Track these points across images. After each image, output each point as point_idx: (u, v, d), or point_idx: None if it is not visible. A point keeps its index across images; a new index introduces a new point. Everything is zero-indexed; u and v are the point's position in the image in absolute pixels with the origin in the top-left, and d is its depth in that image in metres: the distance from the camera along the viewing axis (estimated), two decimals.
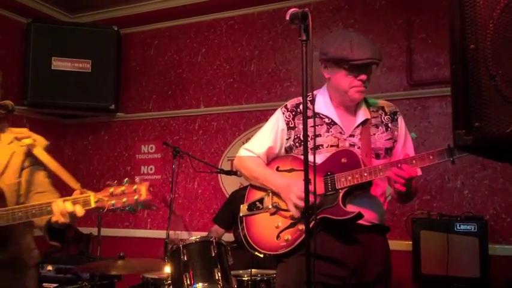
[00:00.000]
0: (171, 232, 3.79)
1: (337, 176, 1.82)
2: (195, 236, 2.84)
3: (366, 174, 1.77)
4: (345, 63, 1.82)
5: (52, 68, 4.27)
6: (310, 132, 1.88)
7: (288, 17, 1.43)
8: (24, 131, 1.87)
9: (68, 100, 4.33)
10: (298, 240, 1.82)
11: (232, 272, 2.77)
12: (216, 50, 4.36)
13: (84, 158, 4.76)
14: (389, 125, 1.96)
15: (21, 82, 4.21)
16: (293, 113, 1.98)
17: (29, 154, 1.77)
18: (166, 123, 4.49)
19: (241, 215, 1.98)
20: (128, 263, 3.13)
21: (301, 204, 1.76)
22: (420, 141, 3.49)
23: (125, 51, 4.69)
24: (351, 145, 1.90)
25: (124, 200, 1.44)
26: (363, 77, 1.84)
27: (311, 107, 1.92)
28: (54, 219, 1.56)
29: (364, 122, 1.93)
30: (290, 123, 1.96)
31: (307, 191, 1.40)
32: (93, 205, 1.49)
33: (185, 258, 2.58)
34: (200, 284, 2.51)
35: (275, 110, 2.09)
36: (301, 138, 1.90)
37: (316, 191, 1.56)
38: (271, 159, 2.03)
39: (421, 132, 3.50)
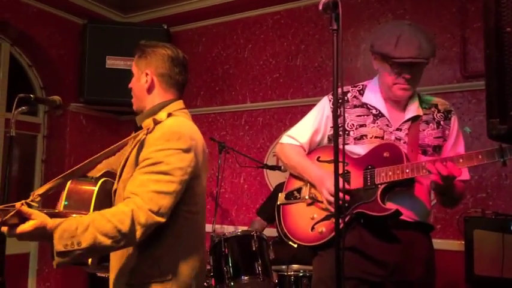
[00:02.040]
0: (217, 226, 3.86)
1: (377, 170, 1.75)
2: (237, 230, 2.86)
3: (407, 170, 1.68)
4: (389, 60, 1.75)
5: (106, 66, 4.46)
6: (355, 122, 1.86)
7: (320, 7, 1.38)
8: (160, 117, 1.65)
9: (121, 97, 4.49)
10: (332, 234, 1.77)
11: (274, 267, 2.77)
12: (262, 45, 4.37)
13: None
14: (442, 122, 1.87)
15: (78, 80, 4.44)
16: (340, 100, 1.91)
17: None
18: (214, 118, 4.56)
19: (278, 203, 1.97)
20: None
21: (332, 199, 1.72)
22: (474, 135, 3.31)
23: None
24: (396, 139, 1.82)
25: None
26: (406, 76, 1.76)
27: (360, 97, 1.90)
28: None
29: (415, 119, 1.85)
30: (338, 109, 1.91)
31: (337, 187, 1.35)
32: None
33: (226, 251, 2.62)
34: (241, 277, 2.54)
35: None
36: (346, 127, 1.86)
37: (344, 185, 1.50)
38: (313, 147, 1.99)
39: (475, 126, 3.31)
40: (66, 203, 1.59)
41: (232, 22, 4.54)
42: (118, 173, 1.66)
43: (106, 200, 1.61)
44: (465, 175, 1.76)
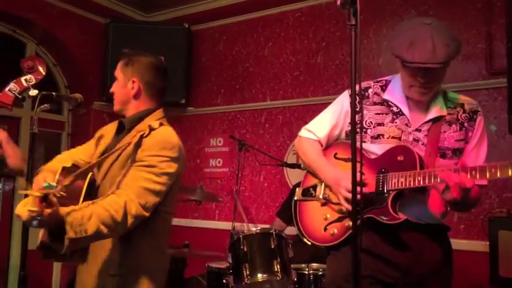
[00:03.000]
0: (237, 224, 3.86)
1: (389, 175, 1.69)
2: (256, 228, 2.86)
3: (419, 178, 1.61)
4: (401, 61, 1.68)
5: None
6: (373, 120, 1.81)
7: (338, 2, 1.36)
8: (154, 124, 1.78)
9: None
10: (344, 236, 1.77)
11: (293, 266, 2.76)
12: (283, 43, 4.35)
13: None
14: (465, 124, 1.78)
15: (101, 79, 4.52)
16: (360, 96, 1.84)
17: None
18: (234, 117, 4.57)
19: (295, 198, 1.95)
20: (193, 251, 3.26)
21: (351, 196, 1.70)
22: (500, 134, 3.23)
23: (195, 47, 4.84)
24: (414, 140, 1.76)
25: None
26: (421, 80, 1.68)
27: (382, 93, 1.84)
28: None
29: (436, 119, 1.77)
30: (356, 106, 1.85)
31: (354, 189, 1.33)
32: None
33: (245, 249, 2.61)
34: (259, 275, 2.53)
35: None
36: (364, 125, 1.81)
37: (362, 189, 1.44)
38: (331, 142, 1.95)
39: (501, 125, 3.22)
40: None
41: (253, 20, 4.54)
42: (102, 169, 1.75)
43: (91, 194, 1.69)
44: (482, 180, 1.62)
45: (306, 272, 2.79)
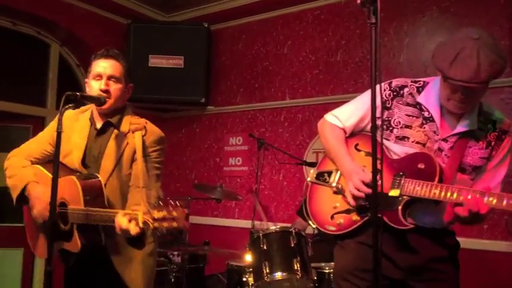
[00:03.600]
0: (256, 222, 3.88)
1: (406, 180, 1.68)
2: (275, 226, 2.87)
3: (435, 191, 1.60)
4: (443, 75, 1.63)
5: (149, 65, 4.58)
6: (402, 120, 1.78)
7: (358, 0, 1.36)
8: (141, 121, 1.99)
9: (162, 95, 4.61)
10: (349, 228, 1.79)
11: (313, 264, 2.76)
12: (302, 41, 4.34)
13: (178, 150, 5.04)
14: (493, 143, 1.74)
15: None
16: (394, 93, 1.82)
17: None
18: (253, 115, 4.59)
19: (308, 179, 1.95)
20: (213, 250, 3.29)
21: (357, 194, 1.71)
22: None
23: (215, 46, 4.87)
24: (439, 149, 1.73)
25: (165, 225, 1.50)
26: (460, 96, 1.62)
27: (417, 95, 1.79)
28: (116, 231, 1.66)
29: (465, 134, 1.73)
30: (387, 102, 1.81)
31: (375, 184, 1.33)
32: (140, 225, 1.56)
33: (265, 247, 2.62)
34: (279, 273, 2.54)
35: None
36: (391, 122, 1.79)
37: (377, 187, 1.42)
38: (356, 132, 1.91)
39: None
40: (87, 197, 1.77)
41: (272, 19, 4.55)
42: (105, 169, 1.88)
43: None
44: (498, 206, 1.54)
45: (326, 271, 2.79)
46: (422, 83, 1.83)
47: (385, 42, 3.82)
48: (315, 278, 2.67)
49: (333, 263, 2.90)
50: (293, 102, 4.32)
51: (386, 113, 1.81)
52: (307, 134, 4.21)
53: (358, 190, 1.71)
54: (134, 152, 1.90)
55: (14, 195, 1.94)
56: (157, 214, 1.50)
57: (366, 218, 1.73)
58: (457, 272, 1.82)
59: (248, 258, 2.81)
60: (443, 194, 1.59)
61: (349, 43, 4.06)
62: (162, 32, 4.65)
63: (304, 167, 4.08)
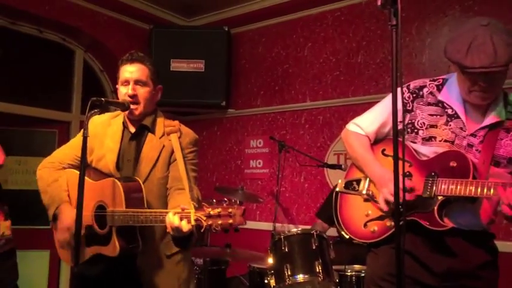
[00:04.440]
0: (277, 224, 3.88)
1: (439, 180, 1.64)
2: (296, 228, 2.87)
3: (471, 188, 1.55)
4: (460, 67, 1.60)
5: (171, 69, 4.65)
6: (426, 121, 1.75)
7: (379, 2, 1.35)
8: (175, 123, 2.01)
9: (184, 98, 4.67)
10: (384, 235, 1.75)
11: (335, 267, 2.75)
12: (322, 43, 4.33)
13: (200, 153, 5.02)
14: None
15: None
16: (414, 95, 1.80)
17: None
18: (274, 118, 4.59)
19: (337, 189, 1.92)
20: (235, 252, 3.30)
21: (392, 200, 1.66)
22: None
23: (235, 49, 4.90)
24: (468, 145, 1.69)
25: (220, 222, 1.48)
26: (482, 84, 1.59)
27: (437, 93, 1.77)
28: (167, 230, 1.66)
29: (494, 126, 1.68)
30: (408, 105, 1.79)
31: (397, 189, 1.32)
32: (192, 223, 1.55)
33: (286, 250, 2.63)
34: (300, 276, 2.54)
35: None
36: (415, 125, 1.76)
37: (405, 191, 1.40)
38: (380, 138, 1.90)
39: None
40: (129, 199, 1.78)
41: (292, 21, 4.55)
42: (142, 172, 1.89)
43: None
44: None
45: (348, 274, 2.77)
46: (441, 80, 1.80)
47: (406, 43, 3.78)
48: (337, 280, 2.66)
49: (355, 266, 2.91)
50: (314, 104, 4.32)
51: (408, 115, 1.79)
52: (328, 136, 4.20)
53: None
54: (170, 155, 1.91)
55: (49, 214, 1.96)
56: (212, 211, 1.49)
57: (400, 223, 1.69)
58: (496, 277, 1.77)
59: (270, 260, 2.81)
60: (479, 190, 1.54)
61: (370, 44, 4.04)
62: (183, 37, 4.71)
63: (325, 169, 4.07)
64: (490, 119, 1.68)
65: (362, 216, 1.82)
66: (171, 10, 4.89)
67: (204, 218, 1.50)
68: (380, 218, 1.77)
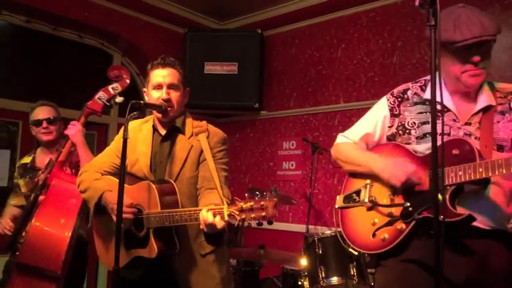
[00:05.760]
0: (310, 226, 3.87)
1: (445, 170, 1.54)
2: (331, 231, 2.85)
3: (481, 169, 1.47)
4: (450, 46, 1.58)
5: (205, 72, 4.71)
6: (416, 120, 1.73)
7: (417, 3, 1.34)
8: (203, 124, 2.05)
9: (217, 101, 4.73)
10: (396, 241, 1.64)
11: (370, 270, 2.72)
12: (356, 44, 4.29)
13: (233, 154, 5.12)
14: None
15: None
16: (399, 99, 1.80)
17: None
18: (307, 119, 4.58)
19: (336, 206, 1.86)
20: (268, 253, 3.32)
21: (405, 181, 1.61)
22: None
23: (268, 52, 4.92)
24: (465, 134, 1.65)
25: (253, 215, 1.50)
26: (476, 58, 1.58)
27: (422, 93, 1.76)
28: (201, 227, 1.67)
29: (486, 109, 1.66)
30: (394, 109, 1.79)
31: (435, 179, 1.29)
32: (226, 218, 1.57)
33: (320, 252, 2.62)
34: (335, 278, 2.53)
35: None
36: (406, 126, 1.75)
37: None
38: (371, 146, 1.88)
39: None
40: (164, 200, 1.82)
41: (325, 23, 4.53)
42: (173, 171, 1.93)
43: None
44: None
45: None
46: (423, 81, 1.81)
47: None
48: (372, 284, 2.63)
49: None
50: (347, 106, 4.28)
51: (397, 120, 1.79)
52: None
53: (407, 179, 1.62)
54: (199, 155, 1.94)
55: (91, 205, 1.99)
56: (244, 205, 1.51)
57: (412, 224, 1.60)
58: None
59: (303, 262, 2.81)
60: (490, 169, 1.47)
61: (406, 44, 3.97)
62: (217, 40, 4.77)
63: None
64: (481, 103, 1.67)
65: (368, 227, 1.73)
66: (205, 14, 4.97)
67: (237, 213, 1.52)
68: (389, 224, 1.67)
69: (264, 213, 1.49)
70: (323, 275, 2.54)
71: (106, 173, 2.06)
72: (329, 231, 2.79)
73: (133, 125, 2.08)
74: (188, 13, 4.85)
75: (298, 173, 4.58)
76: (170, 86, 1.98)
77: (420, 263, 1.58)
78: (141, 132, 2.07)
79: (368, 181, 1.79)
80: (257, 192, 1.55)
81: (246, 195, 1.56)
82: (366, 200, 1.75)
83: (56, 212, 2.34)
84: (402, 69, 3.97)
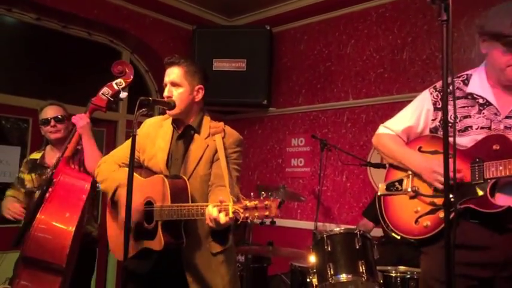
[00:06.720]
0: (319, 223, 3.86)
1: (486, 164, 1.66)
2: (339, 228, 2.84)
3: None
4: (502, 39, 1.64)
5: (213, 69, 4.71)
6: (458, 114, 1.78)
7: None
8: (220, 125, 2.07)
9: (226, 97, 4.72)
10: (438, 228, 1.73)
11: (379, 268, 2.70)
12: (366, 40, 4.26)
13: None
14: None
15: None
16: (442, 93, 1.82)
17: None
18: (315, 116, 4.56)
19: (379, 193, 1.94)
20: (276, 250, 3.31)
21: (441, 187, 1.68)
22: None
23: (277, 48, 4.90)
24: (506, 127, 1.71)
25: (256, 214, 1.53)
26: None
27: (465, 87, 1.81)
28: (206, 222, 1.70)
29: None
30: (437, 103, 1.86)
31: (447, 178, 1.29)
32: (230, 215, 1.59)
33: (329, 249, 2.61)
34: (344, 275, 2.52)
35: None
36: (449, 120, 1.76)
37: (455, 178, 1.41)
38: (412, 138, 1.94)
39: None
40: (175, 195, 1.84)
41: (335, 18, 4.50)
42: (188, 170, 1.96)
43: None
44: None
45: (393, 275, 2.72)
46: (465, 75, 1.85)
47: (455, 38, 3.65)
48: (381, 281, 2.61)
49: (400, 267, 2.85)
50: (356, 103, 4.25)
51: (440, 113, 1.83)
52: (372, 135, 4.01)
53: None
54: (214, 154, 1.98)
55: (109, 196, 2.06)
56: (249, 203, 1.54)
57: (452, 215, 1.67)
58: None
59: (311, 259, 2.80)
60: None
61: (416, 40, 3.93)
62: (225, 36, 4.76)
63: (368, 168, 4.00)
64: None
65: (411, 214, 1.82)
66: (214, 10, 4.96)
67: (242, 210, 1.55)
68: (431, 212, 1.76)
69: (267, 213, 1.52)
70: (332, 272, 2.52)
71: (124, 165, 2.09)
72: (338, 229, 2.77)
73: (154, 120, 2.16)
74: (197, 10, 4.85)
75: (306, 170, 4.57)
76: (172, 84, 2.00)
77: (461, 246, 1.63)
78: (161, 128, 2.11)
79: (410, 171, 1.87)
80: (263, 192, 1.57)
81: (252, 194, 1.59)
82: (409, 190, 1.84)
83: (61, 206, 2.35)
84: (412, 65, 3.93)
